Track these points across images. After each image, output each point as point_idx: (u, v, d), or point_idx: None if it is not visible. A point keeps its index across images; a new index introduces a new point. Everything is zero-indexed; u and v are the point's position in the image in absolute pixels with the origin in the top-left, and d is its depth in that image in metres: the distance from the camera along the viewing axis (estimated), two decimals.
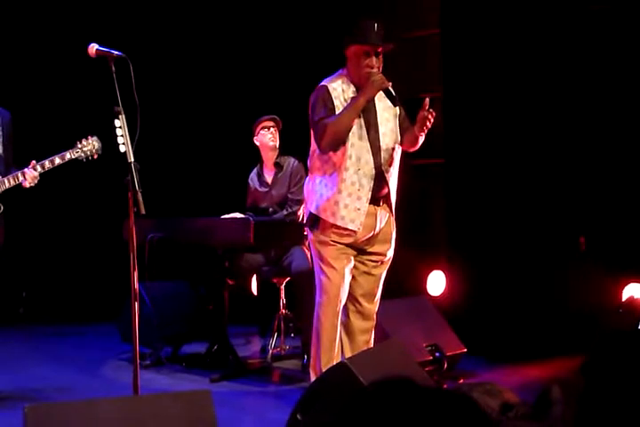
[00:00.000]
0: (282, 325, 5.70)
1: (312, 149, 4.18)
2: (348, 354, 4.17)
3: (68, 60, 6.69)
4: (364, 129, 4.08)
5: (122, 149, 3.29)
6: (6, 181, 4.44)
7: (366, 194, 4.07)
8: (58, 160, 4.42)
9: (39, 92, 7.45)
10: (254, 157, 5.80)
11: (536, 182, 6.12)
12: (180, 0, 7.77)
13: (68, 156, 4.41)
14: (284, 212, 5.58)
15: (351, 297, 4.25)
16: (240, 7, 7.69)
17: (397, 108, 4.20)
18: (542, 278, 6.01)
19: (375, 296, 4.29)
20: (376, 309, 4.32)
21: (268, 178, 5.75)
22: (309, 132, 4.18)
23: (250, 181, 5.85)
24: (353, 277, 4.23)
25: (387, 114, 4.18)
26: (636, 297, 5.29)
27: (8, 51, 7.31)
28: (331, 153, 4.06)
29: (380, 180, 4.10)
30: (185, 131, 7.78)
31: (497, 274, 6.17)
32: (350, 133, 4.03)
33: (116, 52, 3.38)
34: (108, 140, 3.40)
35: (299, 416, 3.03)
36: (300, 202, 5.41)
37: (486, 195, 6.32)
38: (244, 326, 6.65)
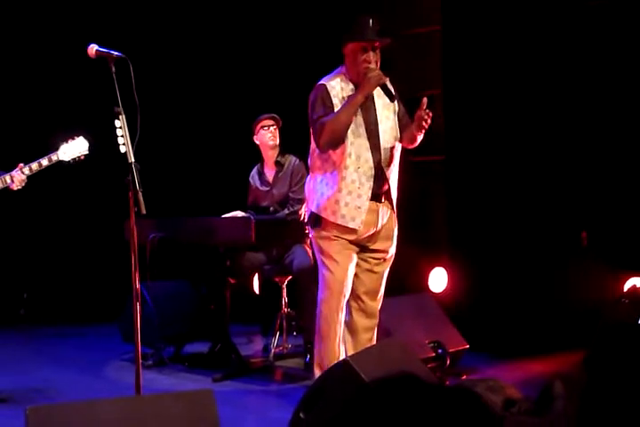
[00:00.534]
0: (284, 323, 5.70)
1: (312, 147, 4.20)
2: (352, 352, 4.18)
3: (68, 61, 6.69)
4: (363, 127, 4.09)
5: (122, 149, 3.30)
6: None
7: (366, 192, 4.09)
8: (45, 162, 4.42)
9: (38, 93, 7.45)
10: (255, 155, 5.81)
11: (537, 178, 6.13)
12: (179, 0, 7.77)
13: (54, 157, 4.41)
14: (286, 211, 5.58)
15: (354, 295, 4.26)
16: (239, 6, 7.69)
17: (396, 104, 4.21)
18: (544, 274, 6.02)
19: (378, 294, 4.30)
20: (379, 306, 4.33)
21: (269, 177, 5.76)
22: (309, 131, 4.19)
23: (250, 179, 5.86)
24: (356, 275, 4.24)
25: (386, 111, 4.19)
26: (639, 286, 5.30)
27: (7, 52, 7.32)
28: (330, 152, 4.07)
29: (380, 177, 4.11)
30: (185, 130, 7.79)
31: (498, 270, 6.18)
32: (350, 132, 4.04)
33: (116, 53, 3.39)
34: (109, 140, 3.40)
35: (302, 415, 3.05)
36: (301, 201, 5.42)
37: (487, 191, 6.32)
38: (247, 325, 6.66)
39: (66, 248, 7.71)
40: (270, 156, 5.72)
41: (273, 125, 5.63)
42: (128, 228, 3.33)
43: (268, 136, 5.63)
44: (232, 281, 5.45)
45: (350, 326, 4.28)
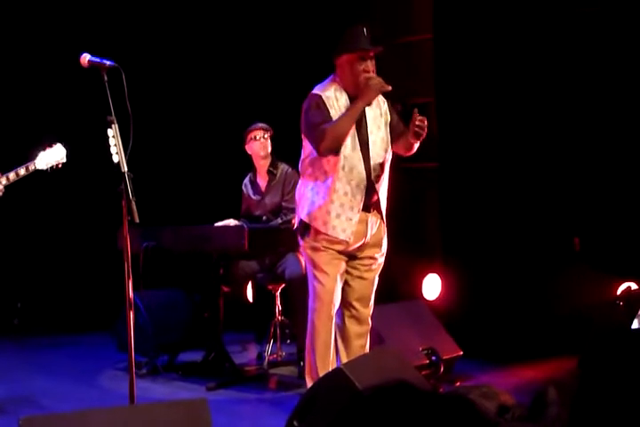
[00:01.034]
0: (278, 331, 5.71)
1: (304, 155, 4.20)
2: (345, 359, 4.19)
3: (60, 71, 6.70)
4: (356, 139, 4.11)
5: (115, 158, 3.31)
6: None
7: (358, 204, 4.10)
8: (22, 171, 4.40)
9: (30, 103, 7.45)
10: (247, 163, 5.83)
11: (530, 185, 6.16)
12: (171, 9, 7.78)
13: (32, 167, 4.40)
14: (279, 220, 5.60)
15: (345, 302, 4.27)
16: (231, 15, 7.72)
17: (387, 115, 4.23)
18: (537, 280, 6.04)
19: (369, 300, 4.31)
20: (370, 312, 4.33)
21: (262, 186, 5.78)
22: (300, 139, 4.20)
23: (243, 188, 5.88)
24: (346, 283, 4.24)
25: (377, 123, 4.20)
26: (633, 288, 5.32)
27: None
28: (324, 161, 4.07)
29: (370, 189, 4.13)
30: (178, 139, 7.79)
31: (492, 276, 6.20)
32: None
33: (109, 62, 3.40)
34: (102, 149, 3.41)
35: (295, 423, 3.05)
36: (294, 210, 5.42)
37: (480, 198, 6.35)
38: (240, 333, 6.66)
39: (59, 257, 7.70)
40: (262, 165, 5.74)
41: (263, 136, 5.64)
42: (121, 237, 3.33)
43: (258, 146, 5.65)
44: (225, 289, 5.46)
45: (343, 333, 4.28)
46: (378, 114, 4.18)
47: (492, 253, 6.23)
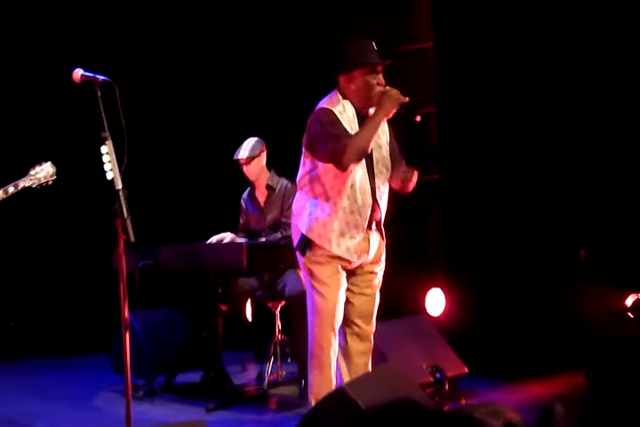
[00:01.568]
0: (278, 350, 5.71)
1: (304, 170, 4.19)
2: (347, 378, 4.18)
3: (52, 86, 6.74)
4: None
5: (109, 175, 3.32)
6: None
7: (363, 222, 4.12)
8: (11, 189, 4.41)
9: (23, 120, 7.48)
10: (245, 177, 5.85)
11: (534, 196, 6.18)
12: (164, 23, 7.83)
13: (21, 184, 4.42)
14: (279, 235, 5.61)
15: (347, 320, 4.26)
16: (227, 26, 7.75)
17: (387, 135, 4.25)
18: (543, 293, 6.05)
19: (372, 317, 4.30)
20: (373, 329, 4.32)
21: (261, 200, 5.81)
22: (300, 152, 4.21)
23: (242, 202, 5.91)
24: (347, 300, 4.24)
25: (378, 141, 4.22)
26: None
27: None
28: (329, 178, 4.07)
29: (374, 206, 4.16)
30: (173, 153, 7.82)
31: (497, 290, 6.20)
32: None
33: (102, 77, 3.42)
34: (96, 167, 3.42)
35: None
36: None
37: (483, 210, 6.36)
38: (240, 352, 6.65)
39: (54, 277, 7.70)
40: (259, 183, 5.79)
41: (244, 165, 5.68)
42: (117, 256, 3.34)
43: (245, 173, 5.73)
44: (224, 308, 5.46)
45: (345, 351, 4.27)
46: (380, 132, 4.21)
47: (497, 266, 6.24)
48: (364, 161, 4.10)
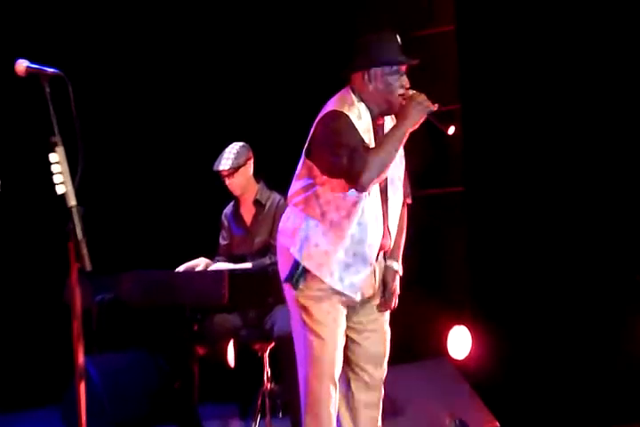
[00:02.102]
0: (266, 402, 5.68)
1: (302, 184, 4.14)
2: None
3: None
4: None
5: (60, 189, 3.31)
6: None
7: (372, 255, 4.11)
8: None
9: None
10: (226, 189, 5.87)
11: (579, 214, 6.16)
12: (126, 8, 7.85)
13: None
14: (267, 260, 5.62)
15: (351, 364, 4.24)
16: (200, 15, 7.79)
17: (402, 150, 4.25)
18: (591, 332, 6.04)
19: (382, 359, 4.29)
20: (384, 375, 4.30)
21: (247, 218, 5.83)
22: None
23: (223, 218, 5.93)
24: (351, 340, 4.23)
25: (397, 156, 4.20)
26: None
27: None
28: (340, 198, 4.05)
29: (385, 235, 4.16)
30: (140, 163, 7.80)
31: (534, 329, 6.19)
32: None
33: (51, 70, 3.42)
34: (44, 178, 3.42)
35: None
36: None
37: (517, 230, 6.34)
38: (220, 405, 6.65)
39: None
40: (246, 197, 5.82)
41: (227, 178, 5.71)
42: (69, 288, 3.33)
43: (228, 187, 5.76)
44: (201, 351, 5.47)
45: (349, 402, 4.25)
46: None
47: (533, 299, 6.22)
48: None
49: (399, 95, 4.08)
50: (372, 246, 4.11)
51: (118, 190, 7.64)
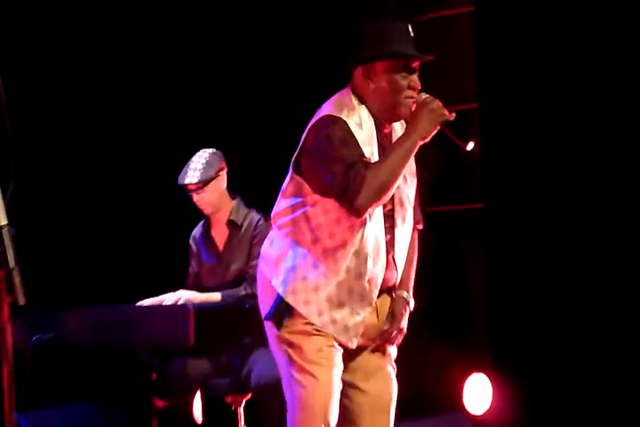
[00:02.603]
0: None
1: (289, 202, 4.14)
2: None
3: None
4: None
5: None
6: None
7: (372, 292, 4.09)
8: None
9: None
10: (194, 207, 5.86)
11: (617, 230, 6.17)
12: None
13: None
14: (241, 291, 5.62)
15: (349, 421, 4.22)
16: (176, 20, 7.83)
17: (413, 163, 4.22)
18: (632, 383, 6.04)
19: (388, 414, 4.26)
20: None
21: (219, 242, 5.86)
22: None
23: (191, 242, 5.97)
24: (350, 386, 4.20)
25: (406, 170, 4.16)
26: None
27: None
28: (332, 221, 4.03)
29: (388, 266, 4.13)
30: (88, 175, 7.77)
31: (566, 378, 6.19)
32: None
33: None
34: None
35: None
36: None
37: (546, 256, 6.35)
38: None
39: None
40: (219, 217, 5.83)
41: (196, 193, 5.72)
42: None
43: (197, 204, 5.78)
44: (160, 404, 5.48)
45: None
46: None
47: (566, 340, 6.23)
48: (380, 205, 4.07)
49: (407, 98, 4.05)
50: (372, 282, 4.07)
51: (60, 207, 7.59)
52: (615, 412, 6.01)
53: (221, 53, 7.57)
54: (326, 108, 4.10)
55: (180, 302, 5.50)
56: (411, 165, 4.19)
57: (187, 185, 5.68)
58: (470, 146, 3.97)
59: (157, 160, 7.03)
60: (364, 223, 4.02)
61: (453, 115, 3.97)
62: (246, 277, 5.66)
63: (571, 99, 6.25)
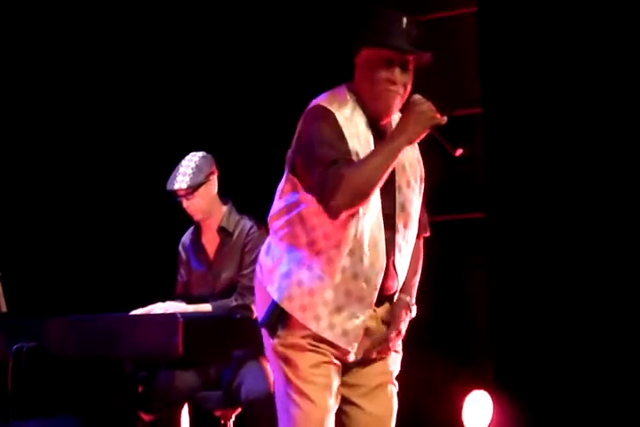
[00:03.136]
0: None
1: (284, 201, 4.14)
2: None
3: None
4: (377, 195, 4.08)
5: None
6: None
7: (371, 294, 4.07)
8: None
9: None
10: (184, 214, 5.87)
11: (623, 244, 6.18)
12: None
13: None
14: (232, 302, 5.63)
15: None
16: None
17: (422, 167, 4.21)
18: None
19: (389, 425, 4.24)
20: None
21: (209, 250, 5.87)
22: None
23: (180, 249, 5.98)
24: (348, 402, 4.18)
25: (409, 172, 4.17)
26: None
27: None
28: (326, 220, 4.02)
29: (388, 273, 4.11)
30: (73, 179, 7.78)
31: (572, 395, 6.19)
32: None
33: None
34: None
35: None
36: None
37: (552, 268, 6.35)
38: None
39: None
40: (209, 223, 5.84)
41: (185, 199, 5.72)
42: None
43: (186, 211, 5.78)
44: (146, 418, 5.49)
45: None
46: (413, 159, 4.19)
47: (573, 356, 6.23)
48: (378, 202, 4.05)
49: (384, 91, 4.02)
50: (370, 282, 4.06)
51: (43, 212, 7.61)
52: None
53: (213, 56, 7.61)
54: (319, 98, 4.11)
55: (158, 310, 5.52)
56: (419, 170, 4.21)
57: (176, 191, 5.68)
58: (459, 152, 3.97)
59: (145, 165, 7.04)
60: (357, 221, 4.01)
61: (445, 119, 3.95)
62: (237, 286, 5.68)
63: (577, 105, 6.26)
